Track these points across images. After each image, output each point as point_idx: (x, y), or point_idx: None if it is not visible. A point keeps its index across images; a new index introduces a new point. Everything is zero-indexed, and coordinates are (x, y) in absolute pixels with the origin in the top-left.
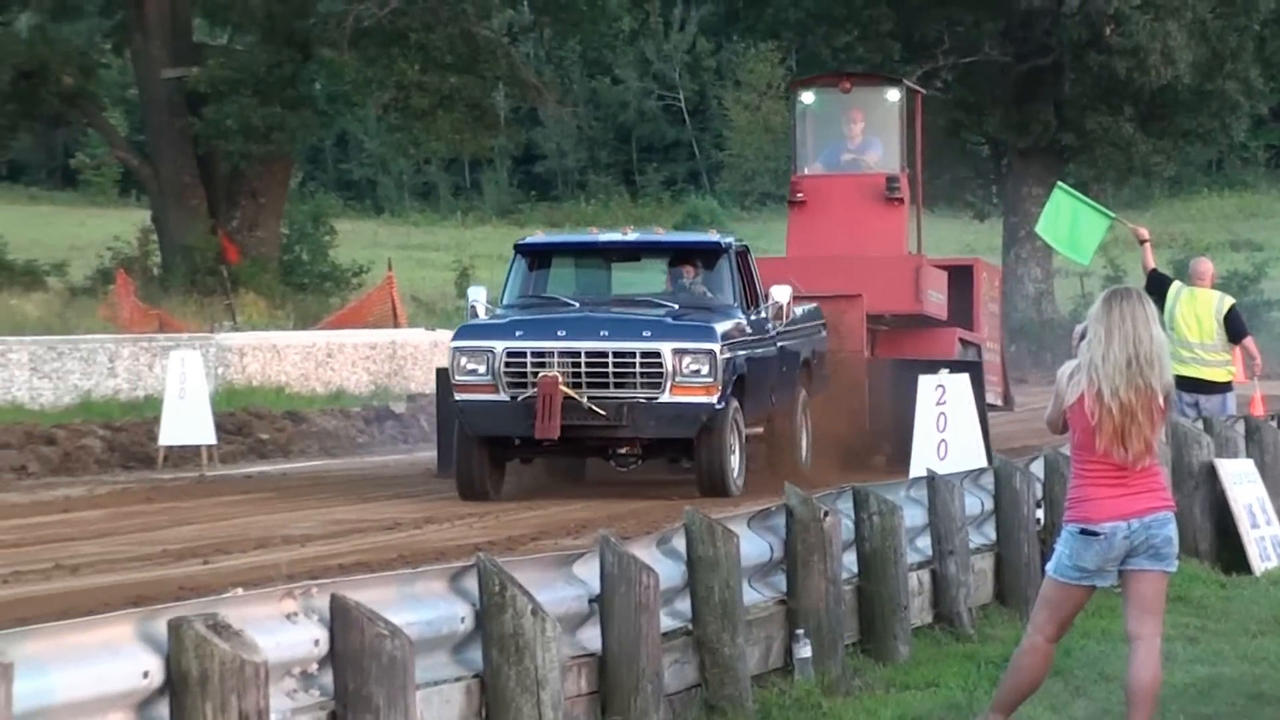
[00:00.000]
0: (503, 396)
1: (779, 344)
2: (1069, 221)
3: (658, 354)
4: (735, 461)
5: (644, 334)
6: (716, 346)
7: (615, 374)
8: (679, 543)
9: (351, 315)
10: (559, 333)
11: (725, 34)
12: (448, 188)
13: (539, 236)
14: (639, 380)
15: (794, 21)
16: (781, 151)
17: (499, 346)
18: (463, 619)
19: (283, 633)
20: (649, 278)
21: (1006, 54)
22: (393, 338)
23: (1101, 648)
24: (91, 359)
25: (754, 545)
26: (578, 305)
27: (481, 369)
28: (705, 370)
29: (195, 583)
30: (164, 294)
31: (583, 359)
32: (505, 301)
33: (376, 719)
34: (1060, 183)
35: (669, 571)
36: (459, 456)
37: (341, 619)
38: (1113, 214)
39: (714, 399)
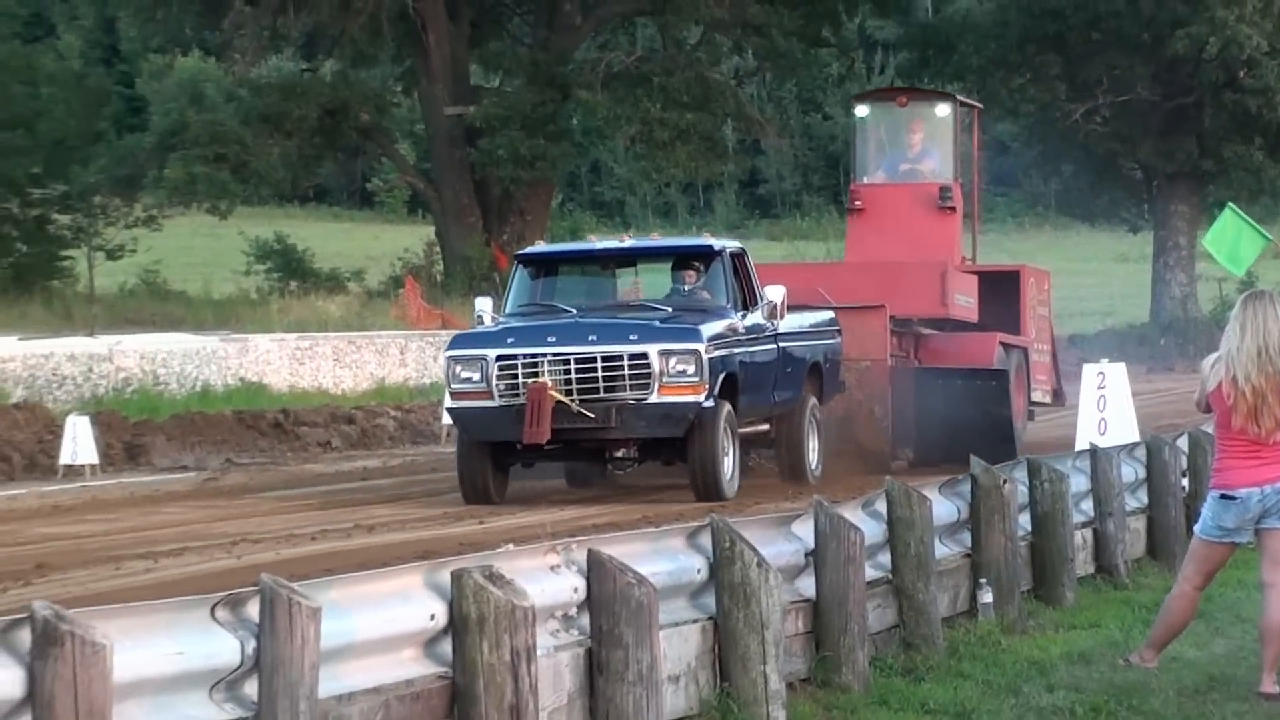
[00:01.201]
0: (495, 403)
1: (780, 345)
2: (1233, 238)
3: (645, 356)
4: (729, 462)
5: (631, 337)
6: (701, 346)
7: (605, 377)
8: (881, 506)
9: None
10: (549, 339)
11: (918, 77)
12: (684, 206)
13: (538, 247)
14: (628, 382)
15: (975, 67)
16: (965, 175)
17: (491, 354)
18: (699, 570)
19: (547, 582)
20: (650, 284)
21: (1156, 93)
22: None
23: (1238, 594)
24: (385, 351)
25: (944, 507)
26: (574, 312)
27: (475, 376)
28: (691, 370)
29: (472, 540)
30: (445, 297)
31: (572, 364)
32: (507, 310)
33: (626, 655)
34: (1231, 204)
35: (872, 530)
36: (460, 461)
37: (597, 570)
38: (1270, 236)
39: (701, 397)
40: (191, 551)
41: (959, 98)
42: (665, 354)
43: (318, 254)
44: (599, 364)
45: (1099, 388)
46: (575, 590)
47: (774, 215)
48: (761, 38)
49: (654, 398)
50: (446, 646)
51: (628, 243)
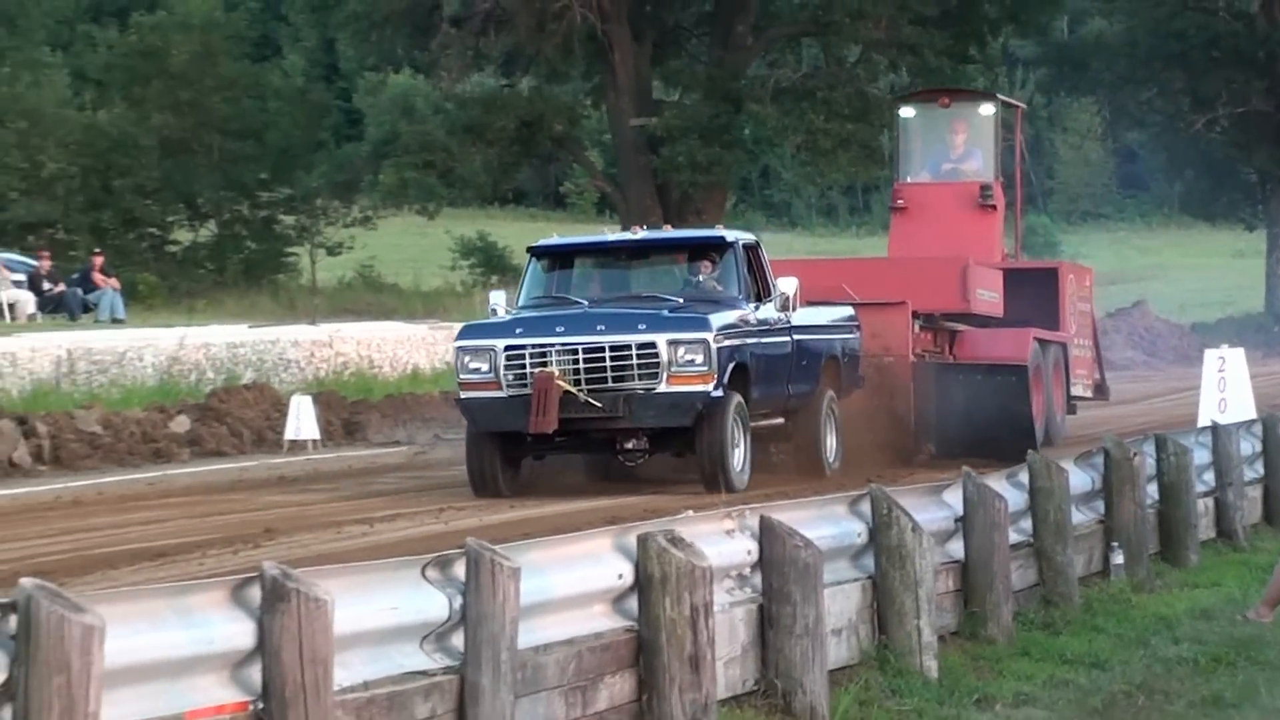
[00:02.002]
0: (504, 393)
1: (795, 338)
2: None
3: (653, 345)
4: (739, 453)
5: (639, 327)
6: (710, 335)
7: (613, 367)
8: (1023, 477)
9: None
10: (557, 329)
11: (1054, 91)
12: (845, 208)
13: (551, 239)
14: (636, 372)
15: (1107, 82)
16: (1099, 179)
17: (499, 344)
18: (859, 534)
19: (723, 544)
20: (665, 276)
21: (1270, 105)
22: None
23: None
24: None
25: (1079, 478)
26: (586, 304)
27: (484, 367)
28: (700, 359)
29: (655, 507)
30: None
31: (580, 354)
32: (520, 303)
33: (794, 610)
34: None
35: (1015, 498)
36: (469, 453)
37: (768, 534)
38: None
39: (710, 387)
40: (403, 517)
41: (1001, 97)
42: (674, 343)
43: (515, 250)
44: (607, 354)
45: (1219, 370)
46: (749, 552)
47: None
48: (915, 56)
49: (662, 387)
50: (632, 603)
51: (640, 235)
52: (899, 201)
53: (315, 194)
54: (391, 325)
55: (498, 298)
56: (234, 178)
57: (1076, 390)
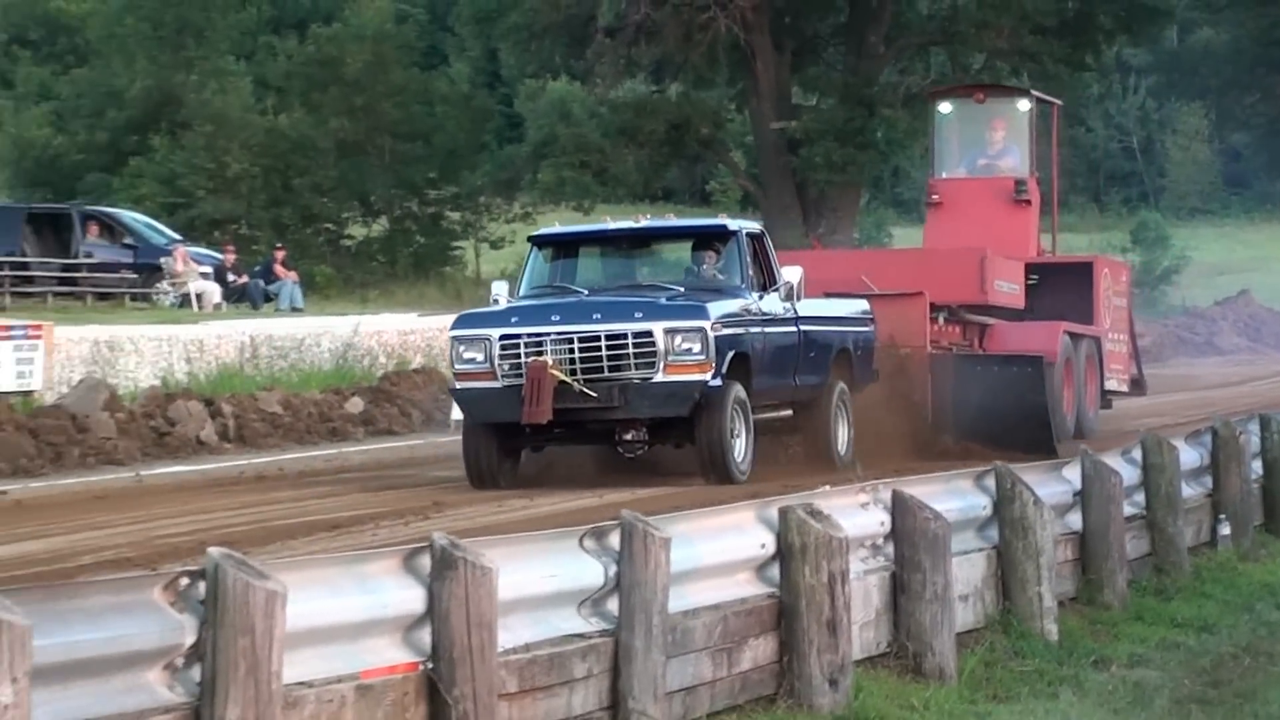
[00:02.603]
0: (499, 383)
1: (803, 329)
2: None
3: (650, 334)
4: (741, 444)
5: (636, 315)
6: (707, 324)
7: (609, 356)
8: (1137, 454)
9: None
10: (553, 318)
11: (1165, 95)
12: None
13: (551, 228)
14: (633, 361)
15: (1214, 87)
16: (1206, 178)
17: (494, 333)
18: (984, 507)
19: (858, 516)
20: (668, 265)
21: None
22: None
23: None
24: None
25: (1189, 455)
26: (586, 293)
27: (479, 356)
28: (697, 348)
29: (795, 484)
30: None
31: (575, 343)
32: (521, 293)
33: (924, 577)
34: None
35: (1129, 474)
36: (465, 445)
37: (900, 507)
38: None
39: (707, 376)
40: (560, 491)
41: (1037, 93)
42: (670, 332)
43: None
44: (603, 343)
45: None
46: (881, 524)
47: (1045, 212)
48: (1035, 63)
49: (659, 377)
50: (774, 570)
51: (642, 224)
52: (934, 197)
53: (479, 192)
54: None
55: (500, 287)
56: (404, 177)
57: (1111, 385)
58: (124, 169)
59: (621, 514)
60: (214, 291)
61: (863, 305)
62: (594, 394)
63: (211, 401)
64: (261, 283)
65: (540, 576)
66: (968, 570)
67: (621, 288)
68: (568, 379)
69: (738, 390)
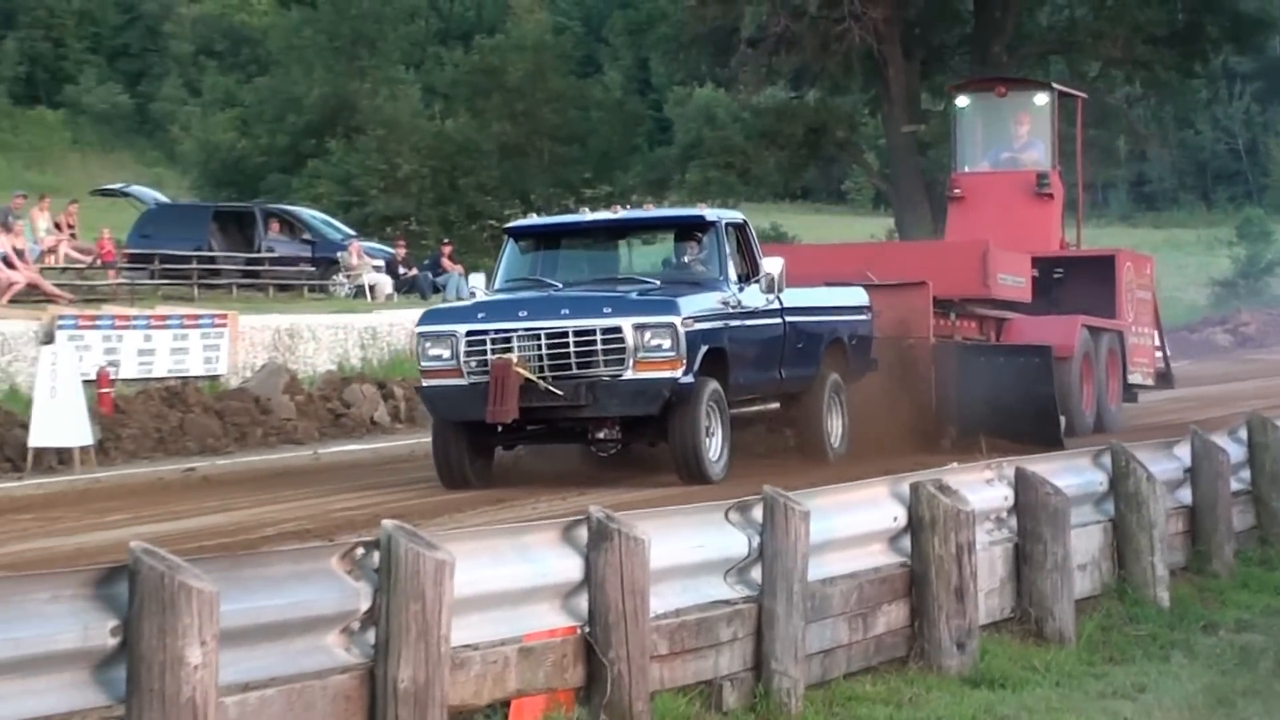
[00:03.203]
0: (465, 381)
1: (789, 320)
2: None
3: (619, 330)
4: (716, 442)
5: (605, 310)
6: (677, 319)
7: (577, 353)
8: (1242, 434)
9: None
10: (520, 313)
11: (1268, 100)
12: (1086, 202)
13: (527, 220)
14: (602, 358)
15: None
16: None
17: (461, 329)
18: (1100, 483)
19: (984, 492)
20: (646, 257)
21: None
22: None
23: None
24: None
25: None
26: (560, 286)
27: (445, 353)
28: (667, 345)
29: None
30: None
31: (543, 339)
32: (495, 286)
33: (1045, 548)
34: None
35: (1236, 452)
36: (435, 443)
37: (1023, 482)
38: None
39: (678, 373)
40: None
41: (1059, 87)
42: (640, 327)
43: (804, 239)
44: (571, 339)
45: None
46: (1005, 499)
47: (1157, 208)
48: (1147, 71)
49: (629, 374)
50: (906, 542)
51: (619, 214)
52: (955, 191)
53: (631, 191)
54: None
55: (476, 280)
56: (561, 177)
57: (1135, 379)
58: (303, 170)
59: (764, 489)
60: (386, 283)
61: (858, 294)
62: (560, 392)
63: (384, 385)
64: (430, 275)
65: (689, 547)
66: (1085, 541)
67: (597, 281)
68: (533, 377)
69: (712, 387)
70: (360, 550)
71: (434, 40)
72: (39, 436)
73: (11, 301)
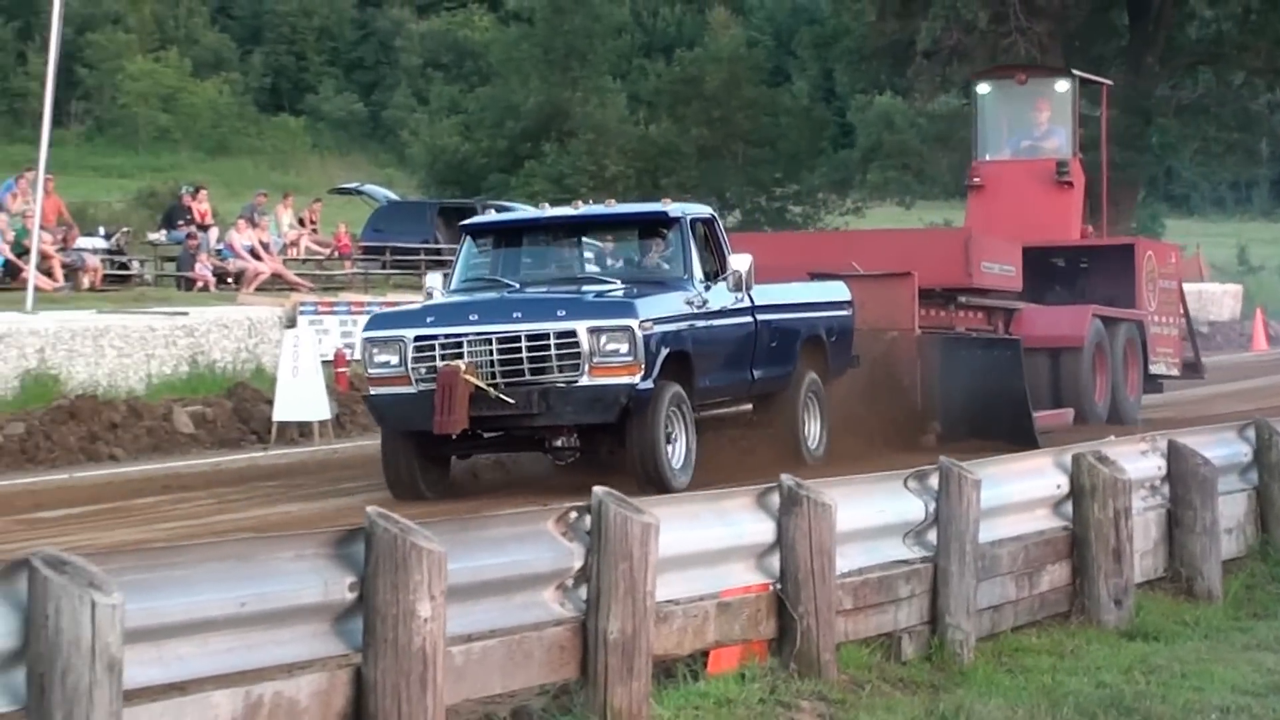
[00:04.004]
0: (413, 389)
1: (760, 319)
2: None
3: (573, 333)
4: (678, 449)
5: (559, 313)
6: (635, 322)
7: (530, 358)
8: None
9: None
10: (471, 316)
11: None
12: (1232, 200)
13: (483, 217)
14: (556, 364)
15: None
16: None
17: (409, 334)
18: (1245, 454)
19: (1138, 461)
20: (609, 255)
21: None
22: (1200, 289)
23: None
24: None
25: None
26: (517, 287)
27: (394, 359)
28: (624, 349)
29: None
30: None
31: (494, 344)
32: (452, 286)
33: (1195, 514)
34: None
35: None
36: (384, 454)
37: (1175, 454)
38: None
39: (635, 379)
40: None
41: (1081, 74)
42: (595, 331)
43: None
44: (523, 344)
45: None
46: (1159, 468)
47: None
48: None
49: (585, 380)
50: (1067, 507)
51: (579, 210)
52: (975, 179)
53: (817, 190)
54: None
55: (434, 280)
56: (754, 177)
57: (1159, 369)
58: (519, 170)
59: (940, 460)
60: None
61: (838, 288)
62: (511, 400)
63: None
64: None
65: (872, 512)
66: (1232, 507)
67: (556, 281)
68: (482, 384)
69: (674, 391)
70: (574, 514)
71: (639, 53)
72: (282, 411)
73: (258, 290)
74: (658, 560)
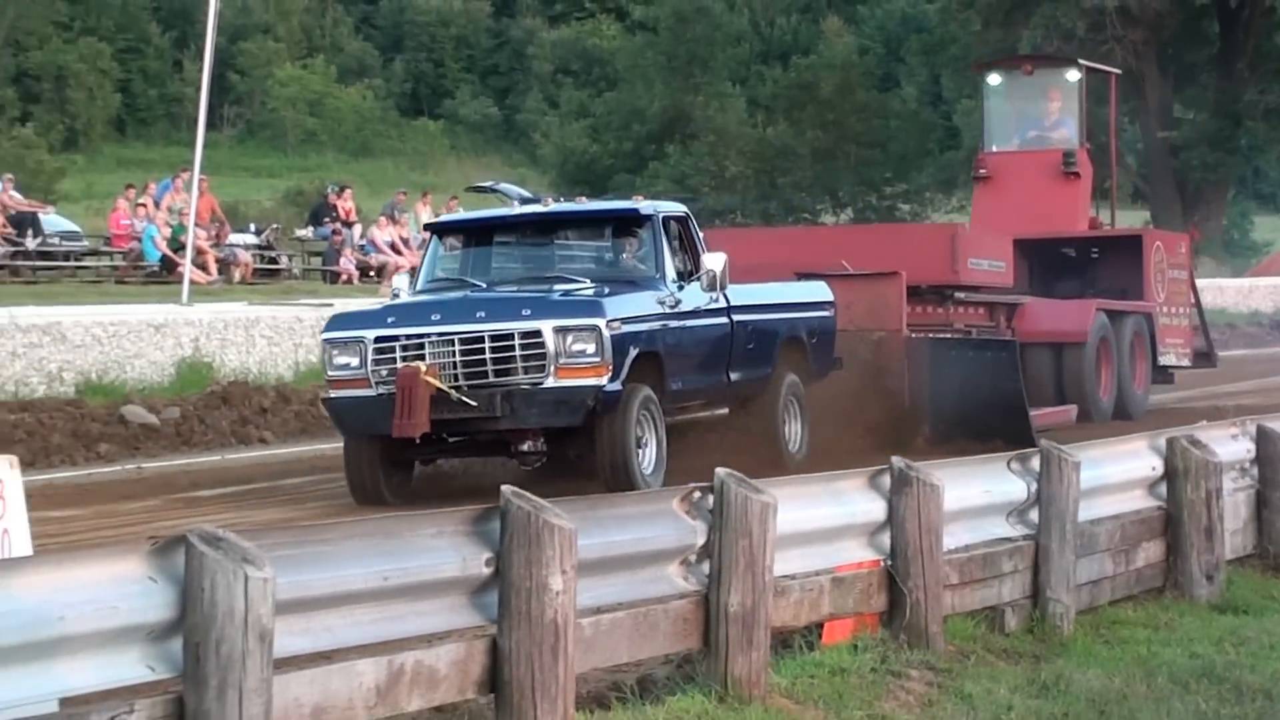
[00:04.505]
0: (373, 391)
1: (736, 319)
2: None
3: (538, 333)
4: (648, 453)
5: (524, 313)
6: (602, 322)
7: (494, 359)
8: None
9: (1266, 268)
10: (433, 316)
11: None
12: None
13: (450, 215)
14: (521, 365)
15: None
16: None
17: (369, 335)
18: None
19: (1229, 445)
20: (580, 254)
21: None
22: None
23: None
24: None
25: None
26: (484, 286)
27: (353, 361)
28: (591, 349)
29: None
30: None
31: (457, 344)
32: (418, 287)
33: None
34: None
35: None
36: (346, 458)
37: (1264, 438)
38: None
39: (603, 380)
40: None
41: (1088, 64)
42: (561, 331)
43: None
44: (487, 344)
45: None
46: (1248, 451)
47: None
48: None
49: (550, 381)
50: (1162, 488)
51: (549, 208)
52: (981, 171)
53: (925, 189)
54: None
55: (400, 281)
56: (865, 177)
57: (1169, 360)
58: (644, 171)
59: (1041, 443)
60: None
61: (819, 288)
62: (474, 403)
63: None
64: None
65: (977, 492)
66: None
67: (524, 281)
68: (443, 386)
69: (644, 394)
70: (697, 494)
71: (757, 60)
72: None
73: None
74: (776, 537)
